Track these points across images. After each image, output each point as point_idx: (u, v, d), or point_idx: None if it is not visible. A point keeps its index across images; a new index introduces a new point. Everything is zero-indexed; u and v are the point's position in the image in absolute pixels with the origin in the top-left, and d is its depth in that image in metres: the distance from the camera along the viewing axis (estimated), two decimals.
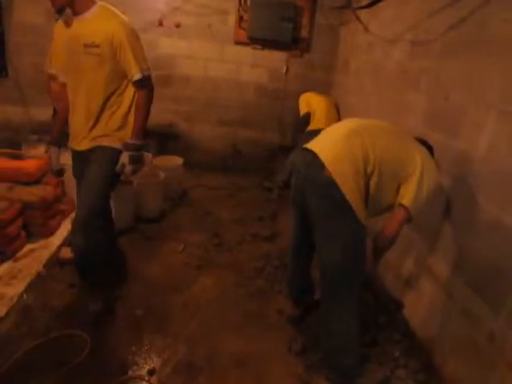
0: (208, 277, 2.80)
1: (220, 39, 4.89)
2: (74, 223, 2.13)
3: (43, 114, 4.97)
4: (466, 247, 1.98)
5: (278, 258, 3.08)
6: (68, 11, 2.01)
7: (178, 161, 4.18)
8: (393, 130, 1.93)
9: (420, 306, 2.36)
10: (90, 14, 2.01)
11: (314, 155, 1.80)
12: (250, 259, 3.08)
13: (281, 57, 5.00)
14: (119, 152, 2.15)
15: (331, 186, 1.71)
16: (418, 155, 1.81)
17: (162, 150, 4.80)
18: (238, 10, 4.75)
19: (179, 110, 5.14)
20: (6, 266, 2.52)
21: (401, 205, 1.79)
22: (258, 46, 4.92)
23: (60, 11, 1.99)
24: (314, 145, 1.89)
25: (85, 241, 2.08)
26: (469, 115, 2.04)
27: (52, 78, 2.14)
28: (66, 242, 2.93)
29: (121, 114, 2.15)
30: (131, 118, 2.17)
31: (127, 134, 2.16)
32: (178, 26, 4.77)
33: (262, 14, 4.61)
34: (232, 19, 4.82)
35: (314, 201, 1.83)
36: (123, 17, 2.06)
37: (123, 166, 2.12)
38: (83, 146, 2.18)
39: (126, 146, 2.13)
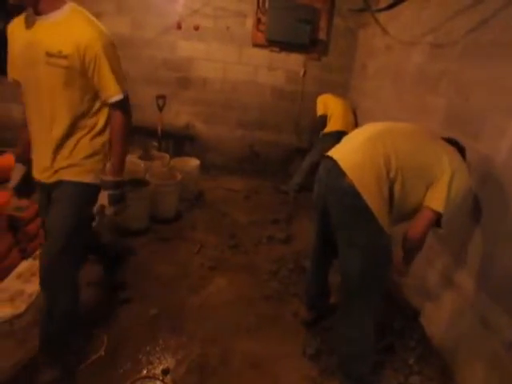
0: (223, 278, 2.81)
1: (238, 42, 4.92)
2: (39, 270, 1.72)
3: None
4: (488, 256, 1.94)
5: (293, 261, 3.07)
6: (29, 9, 1.61)
7: (194, 162, 4.22)
8: (417, 132, 1.86)
9: (437, 313, 2.33)
10: (59, 16, 1.60)
11: (334, 163, 1.79)
12: (266, 262, 3.08)
13: (298, 59, 5.00)
14: (93, 187, 1.76)
15: (352, 193, 1.68)
16: (447, 158, 1.72)
17: (178, 152, 4.85)
18: (256, 13, 4.77)
19: (197, 112, 5.19)
20: (26, 263, 2.58)
21: (427, 207, 1.73)
22: (275, 49, 4.93)
23: (17, 8, 1.60)
24: (334, 152, 1.87)
25: (47, 298, 1.73)
26: (490, 119, 2.00)
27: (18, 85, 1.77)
28: None
29: (89, 139, 1.75)
30: (106, 144, 1.81)
31: (100, 163, 1.79)
32: (196, 28, 4.82)
33: (280, 16, 4.62)
34: (250, 22, 4.84)
35: (336, 209, 1.82)
36: (100, 24, 1.69)
37: (103, 207, 1.77)
38: (45, 178, 1.77)
39: (104, 184, 1.76)
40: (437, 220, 1.74)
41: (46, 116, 1.68)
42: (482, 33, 2.16)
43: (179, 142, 5.14)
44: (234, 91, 5.14)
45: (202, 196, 4.27)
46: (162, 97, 4.55)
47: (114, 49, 1.69)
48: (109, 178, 1.76)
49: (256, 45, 4.93)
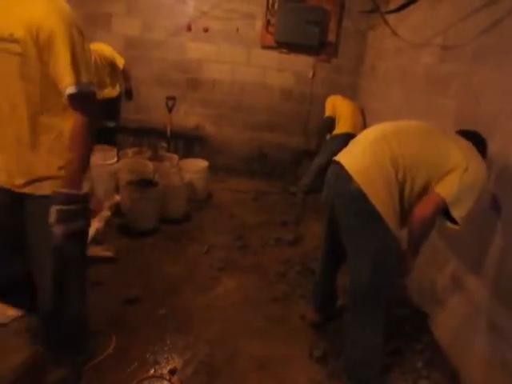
0: (231, 279, 2.82)
1: (247, 43, 4.94)
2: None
3: None
4: (499, 260, 1.91)
5: (300, 263, 3.06)
6: None
7: (203, 163, 4.23)
8: (426, 129, 1.83)
9: (446, 318, 2.30)
10: None
11: (341, 167, 1.77)
12: (273, 263, 3.08)
13: (307, 61, 5.00)
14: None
15: (360, 197, 1.67)
16: (459, 152, 1.66)
17: (187, 153, 4.88)
18: (266, 15, 4.78)
19: (206, 113, 5.21)
20: None
21: (435, 192, 1.65)
22: (284, 50, 4.93)
23: None
24: (342, 156, 1.86)
25: (55, 300, 1.61)
26: (501, 122, 1.98)
27: None
28: (94, 241, 3.01)
29: (61, 144, 1.48)
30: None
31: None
32: (206, 30, 4.84)
33: (290, 18, 4.62)
34: (259, 23, 4.86)
35: (344, 213, 1.81)
36: (62, 3, 1.39)
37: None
38: (14, 186, 1.49)
39: (54, 197, 1.44)
40: (450, 217, 1.68)
41: (3, 111, 1.42)
42: (494, 34, 2.14)
43: (188, 143, 5.16)
44: (242, 93, 5.16)
45: (210, 197, 4.28)
46: (172, 98, 4.58)
47: (77, 31, 1.38)
48: (62, 189, 1.45)
49: (265, 46, 4.94)
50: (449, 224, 1.73)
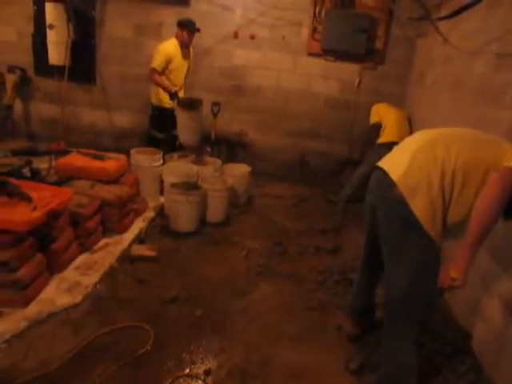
0: (268, 284, 2.82)
1: (293, 51, 4.96)
2: None
3: (124, 120, 5.39)
4: None
5: (339, 273, 3.01)
6: None
7: (245, 168, 4.28)
8: (470, 132, 1.76)
9: (490, 339, 2.17)
10: None
11: (384, 173, 1.74)
12: (311, 271, 3.05)
13: (353, 68, 4.94)
14: None
15: (400, 204, 1.63)
16: (509, 146, 1.60)
17: (230, 158, 4.95)
18: (313, 22, 4.78)
19: (250, 119, 5.27)
20: (84, 256, 2.74)
21: (496, 169, 1.53)
22: (330, 58, 4.90)
23: None
24: (385, 161, 1.82)
25: None
26: None
27: None
28: (137, 240, 3.12)
29: None
30: None
31: None
32: (252, 37, 4.91)
33: (337, 25, 4.59)
34: (306, 31, 4.86)
35: (384, 221, 1.77)
36: None
37: None
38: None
39: None
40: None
41: None
42: None
43: (231, 147, 5.24)
44: (287, 100, 5.17)
45: (251, 202, 4.32)
46: (217, 104, 4.67)
47: None
48: None
49: (311, 54, 4.93)
50: None
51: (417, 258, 1.67)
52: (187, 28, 4.15)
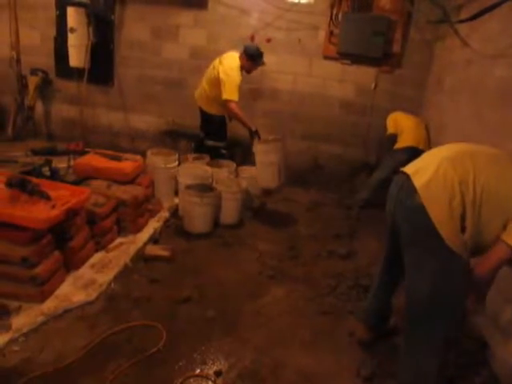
0: (281, 288, 2.81)
1: (309, 54, 4.94)
2: None
3: (140, 121, 5.46)
4: None
5: (352, 278, 2.98)
6: None
7: None
8: (503, 157, 1.70)
9: (508, 351, 2.12)
10: None
11: (407, 178, 1.72)
12: (324, 276, 3.03)
13: (370, 72, 4.90)
14: None
15: (422, 212, 1.60)
16: None
17: (245, 160, 4.96)
18: (329, 25, 4.76)
19: (264, 123, 5.26)
20: (99, 255, 2.78)
21: (502, 241, 1.56)
22: (347, 61, 4.88)
23: None
24: (409, 167, 1.80)
25: None
26: None
27: None
28: (152, 240, 3.16)
29: None
30: None
31: None
32: (268, 41, 4.92)
33: (354, 28, 4.56)
34: (322, 34, 4.85)
35: (404, 226, 1.75)
36: None
37: None
38: None
39: None
40: None
41: None
42: None
43: (246, 150, 5.25)
44: (302, 103, 5.15)
45: (264, 205, 4.32)
46: None
47: None
48: None
49: (327, 57, 4.91)
50: None
51: (437, 266, 1.64)
52: (255, 62, 4.06)
